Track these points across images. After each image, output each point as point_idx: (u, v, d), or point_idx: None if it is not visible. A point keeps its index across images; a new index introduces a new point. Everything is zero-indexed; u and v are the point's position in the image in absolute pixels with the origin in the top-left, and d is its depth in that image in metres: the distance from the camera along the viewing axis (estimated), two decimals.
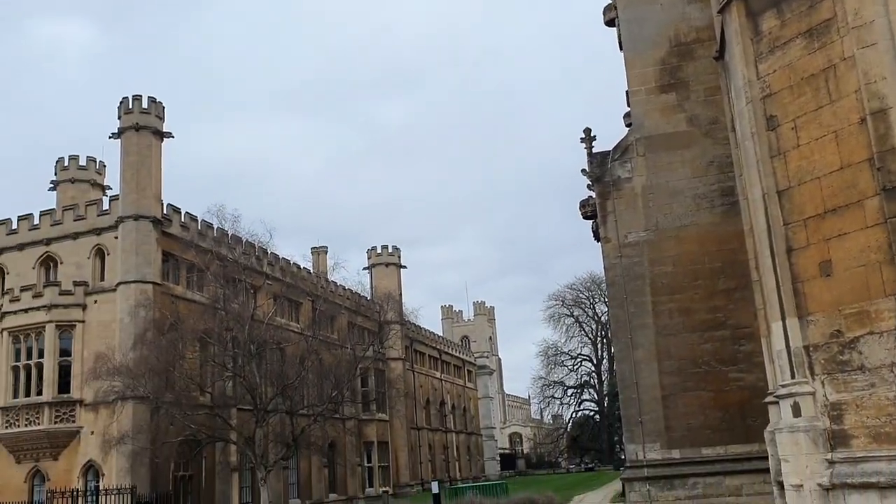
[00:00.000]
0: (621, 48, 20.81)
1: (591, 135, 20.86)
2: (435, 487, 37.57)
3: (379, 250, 68.63)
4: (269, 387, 36.66)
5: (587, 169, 20.53)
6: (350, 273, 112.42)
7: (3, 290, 41.87)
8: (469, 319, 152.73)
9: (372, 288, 63.75)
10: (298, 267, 51.86)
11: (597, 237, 21.19)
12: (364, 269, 66.85)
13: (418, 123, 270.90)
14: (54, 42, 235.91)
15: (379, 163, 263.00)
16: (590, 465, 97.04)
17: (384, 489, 47.06)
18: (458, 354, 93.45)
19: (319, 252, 64.35)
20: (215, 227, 42.31)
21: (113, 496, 32.86)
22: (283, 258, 49.35)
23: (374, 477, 59.89)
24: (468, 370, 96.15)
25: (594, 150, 20.63)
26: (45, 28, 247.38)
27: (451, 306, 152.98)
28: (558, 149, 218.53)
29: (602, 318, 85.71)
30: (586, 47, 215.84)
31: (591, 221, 22.43)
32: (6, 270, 42.90)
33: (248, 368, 35.89)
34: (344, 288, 56.43)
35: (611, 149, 20.38)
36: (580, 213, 22.72)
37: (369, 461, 59.68)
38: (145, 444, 35.12)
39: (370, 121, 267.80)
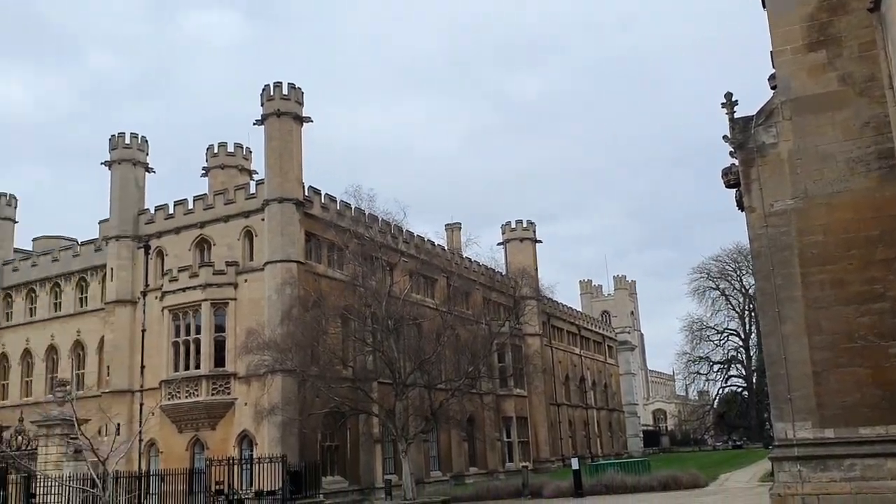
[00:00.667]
0: (764, 6, 19.62)
1: (733, 99, 19.86)
2: (575, 463, 37.10)
3: (513, 225, 68.34)
4: (407, 361, 37.49)
5: (729, 135, 19.56)
6: (483, 249, 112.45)
7: (163, 270, 44.97)
8: (609, 294, 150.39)
9: (506, 263, 63.82)
10: (432, 244, 52.58)
11: (741, 206, 20.20)
12: (498, 244, 66.82)
13: (551, 95, 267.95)
14: (204, 31, 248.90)
15: (512, 137, 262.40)
16: (737, 443, 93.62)
17: (524, 464, 47.24)
18: (597, 330, 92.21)
19: (453, 228, 64.95)
20: (353, 207, 43.54)
21: (265, 464, 34.57)
22: (417, 235, 50.19)
23: (513, 452, 60.24)
24: (609, 346, 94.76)
25: (736, 116, 19.63)
26: (196, 18, 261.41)
27: (589, 281, 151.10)
28: (697, 115, 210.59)
29: (750, 290, 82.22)
30: (724, 8, 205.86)
31: (735, 190, 21.43)
32: (165, 253, 45.96)
33: (387, 343, 36.80)
34: (478, 264, 56.79)
35: (754, 114, 19.32)
36: (723, 181, 21.75)
37: (508, 436, 60.05)
38: (294, 415, 36.78)
39: (503, 95, 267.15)
